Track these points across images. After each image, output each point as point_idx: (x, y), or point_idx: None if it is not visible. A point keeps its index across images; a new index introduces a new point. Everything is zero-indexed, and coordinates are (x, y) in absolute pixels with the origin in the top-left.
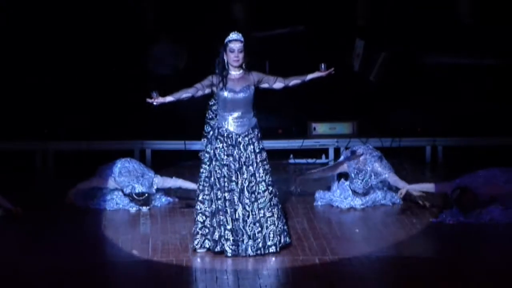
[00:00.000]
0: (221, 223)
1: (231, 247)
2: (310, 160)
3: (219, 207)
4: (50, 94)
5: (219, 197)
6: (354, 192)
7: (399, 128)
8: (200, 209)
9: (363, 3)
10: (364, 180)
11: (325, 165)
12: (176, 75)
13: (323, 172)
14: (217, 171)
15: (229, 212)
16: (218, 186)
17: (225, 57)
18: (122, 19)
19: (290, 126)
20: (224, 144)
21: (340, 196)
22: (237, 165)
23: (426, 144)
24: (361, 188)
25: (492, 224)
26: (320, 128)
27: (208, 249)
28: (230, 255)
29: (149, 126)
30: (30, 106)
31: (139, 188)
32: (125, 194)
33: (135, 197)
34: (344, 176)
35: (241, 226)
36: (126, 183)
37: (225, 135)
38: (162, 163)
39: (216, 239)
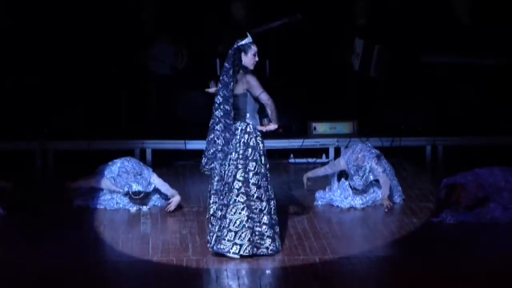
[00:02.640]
0: (272, 223)
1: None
2: (310, 160)
3: (268, 208)
4: (50, 94)
5: (263, 198)
6: (354, 189)
7: (399, 127)
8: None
9: (362, 2)
10: (363, 177)
11: (325, 165)
12: (176, 75)
13: (325, 170)
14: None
15: (271, 211)
16: (263, 187)
17: (243, 59)
18: (122, 19)
19: (290, 125)
20: (262, 145)
21: (340, 196)
22: (267, 163)
23: (426, 143)
24: (361, 185)
25: (492, 223)
26: (321, 127)
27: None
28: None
29: (149, 126)
30: (30, 106)
31: (135, 187)
32: (124, 194)
33: (132, 196)
34: (345, 175)
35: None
36: (124, 182)
37: (260, 135)
38: (162, 163)
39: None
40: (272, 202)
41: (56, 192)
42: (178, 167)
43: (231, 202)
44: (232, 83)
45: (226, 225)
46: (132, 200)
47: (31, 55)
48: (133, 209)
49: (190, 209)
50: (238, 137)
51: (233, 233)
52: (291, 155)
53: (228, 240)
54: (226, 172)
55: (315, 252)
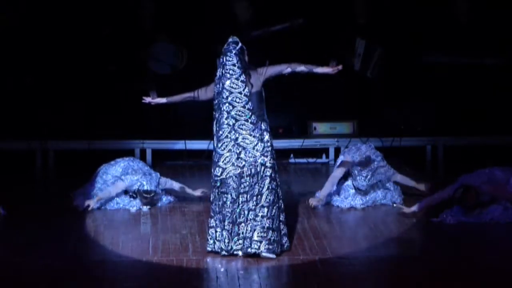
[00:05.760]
0: (285, 221)
1: None
2: (310, 160)
3: (283, 206)
4: (50, 94)
5: (280, 196)
6: (357, 190)
7: (399, 127)
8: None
9: (362, 2)
10: (367, 178)
11: (325, 165)
12: (176, 75)
13: (331, 184)
14: None
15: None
16: (279, 185)
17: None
18: (122, 19)
19: (290, 125)
20: None
21: (340, 196)
22: None
23: (427, 143)
24: (364, 186)
25: (493, 224)
26: (321, 127)
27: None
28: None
29: (149, 126)
30: (30, 106)
31: (147, 186)
32: (130, 192)
33: (143, 194)
34: (344, 176)
35: None
36: (134, 180)
37: None
38: (162, 163)
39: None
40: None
41: (56, 191)
42: (178, 167)
43: (263, 191)
44: (247, 85)
45: (269, 224)
46: (141, 198)
47: (31, 55)
48: (133, 209)
49: (190, 209)
50: (263, 137)
51: (276, 232)
52: (291, 155)
53: (273, 241)
54: (253, 165)
55: (315, 252)
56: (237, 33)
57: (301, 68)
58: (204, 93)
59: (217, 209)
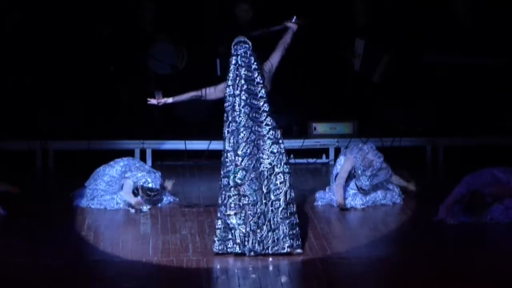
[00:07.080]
0: None
1: None
2: (310, 160)
3: None
4: (50, 94)
5: None
6: (360, 189)
7: (399, 127)
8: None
9: (362, 1)
10: (370, 177)
11: (325, 165)
12: (176, 75)
13: (340, 186)
14: None
15: None
16: None
17: None
18: (122, 19)
19: (290, 126)
20: None
21: None
22: None
23: (427, 144)
24: (368, 185)
25: (493, 224)
26: (321, 128)
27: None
28: None
29: (149, 125)
30: (30, 106)
31: (152, 184)
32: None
33: (147, 191)
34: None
35: None
36: (140, 176)
37: None
38: (162, 163)
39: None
40: None
41: (56, 192)
42: (178, 167)
43: (286, 188)
44: (263, 87)
45: (296, 220)
46: (144, 196)
47: (31, 55)
48: (133, 209)
49: (190, 209)
50: (277, 135)
51: (299, 227)
52: (291, 156)
53: (299, 236)
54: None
55: (315, 252)
56: (237, 33)
57: (287, 39)
58: (213, 93)
59: (227, 211)
